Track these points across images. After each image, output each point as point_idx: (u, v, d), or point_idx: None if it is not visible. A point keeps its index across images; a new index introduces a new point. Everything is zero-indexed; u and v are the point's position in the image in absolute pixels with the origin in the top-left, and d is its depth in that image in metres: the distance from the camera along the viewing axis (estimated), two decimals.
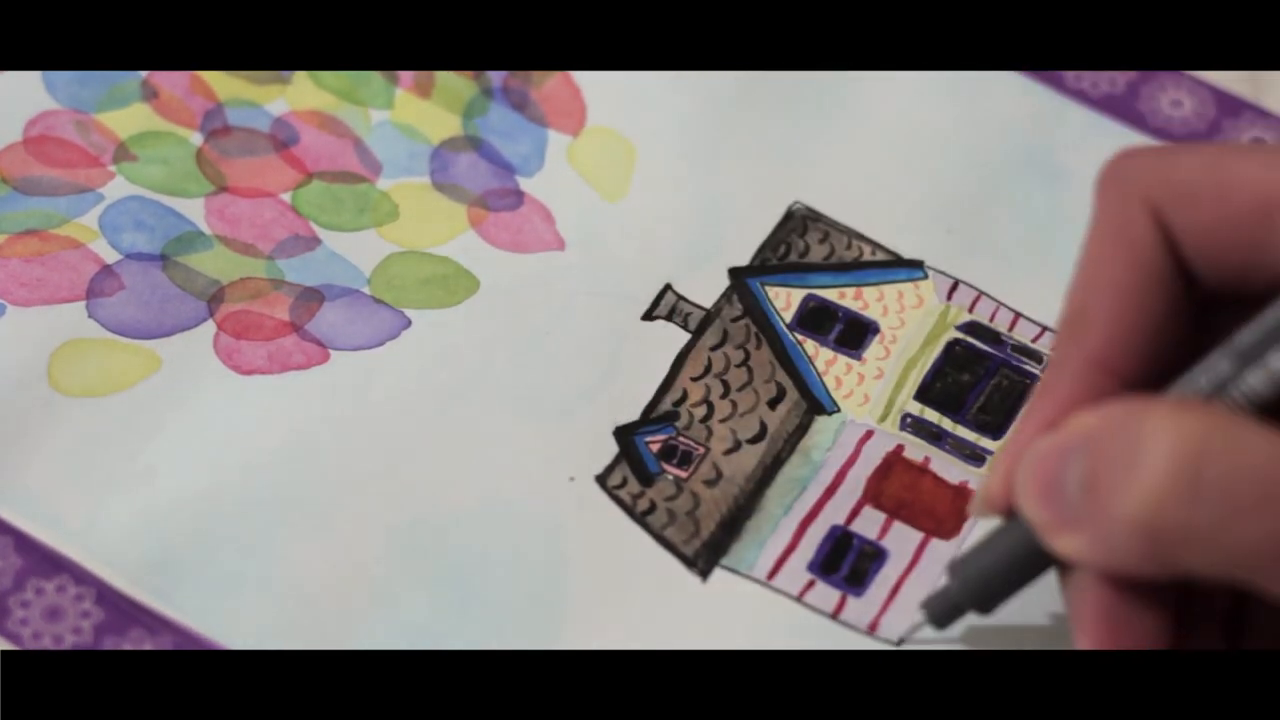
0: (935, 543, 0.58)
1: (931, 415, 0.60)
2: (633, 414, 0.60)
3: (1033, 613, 0.57)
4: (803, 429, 0.60)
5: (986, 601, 0.53)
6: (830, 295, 0.63)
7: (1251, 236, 0.50)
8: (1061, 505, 0.48)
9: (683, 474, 0.59)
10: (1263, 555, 0.45)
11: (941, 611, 0.54)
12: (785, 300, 0.62)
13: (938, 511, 0.59)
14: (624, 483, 0.59)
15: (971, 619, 0.54)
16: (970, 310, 0.62)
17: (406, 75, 0.66)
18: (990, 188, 0.65)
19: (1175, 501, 0.46)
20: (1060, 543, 0.49)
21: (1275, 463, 0.45)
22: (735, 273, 0.63)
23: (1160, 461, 0.46)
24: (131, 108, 0.65)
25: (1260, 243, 0.50)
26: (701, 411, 0.60)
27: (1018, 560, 0.51)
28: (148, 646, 0.56)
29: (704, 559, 0.58)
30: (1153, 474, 0.46)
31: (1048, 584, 0.52)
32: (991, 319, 0.62)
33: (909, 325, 0.62)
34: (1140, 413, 0.47)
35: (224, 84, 0.66)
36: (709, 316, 0.62)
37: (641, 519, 0.58)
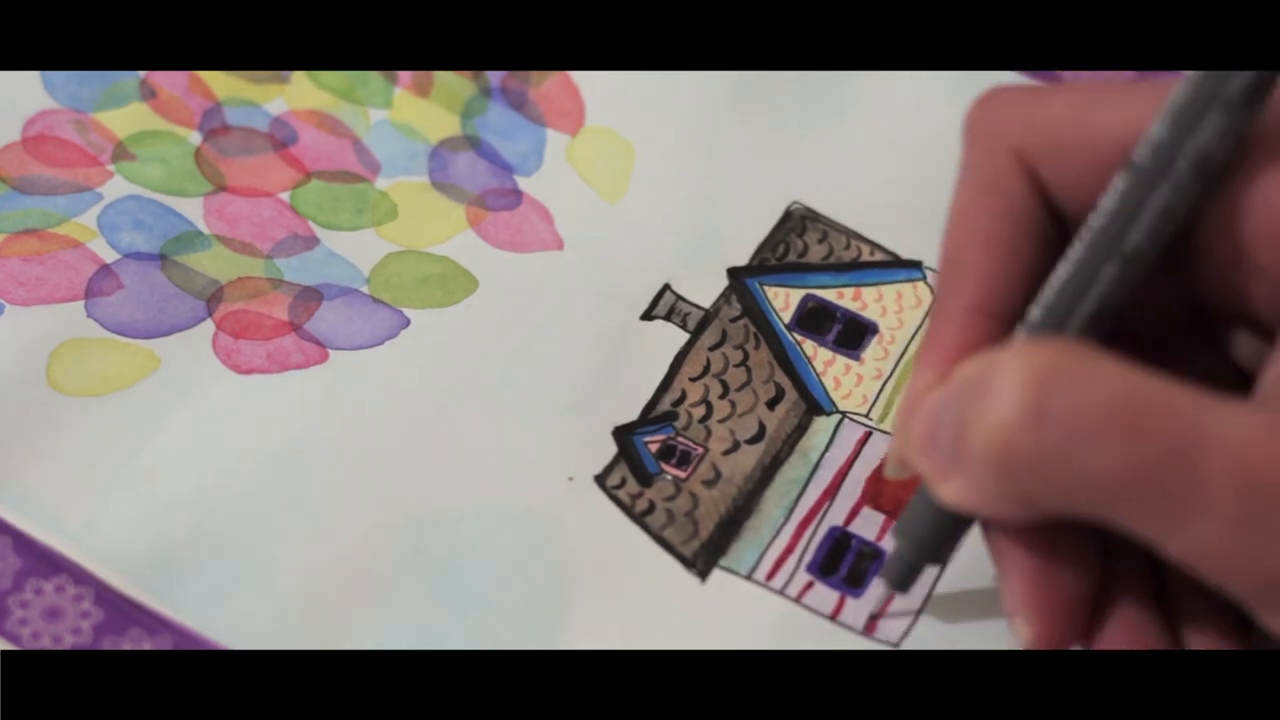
0: None
1: None
2: (631, 414, 0.60)
3: None
4: (801, 429, 0.60)
5: (935, 553, 0.53)
6: (829, 295, 0.63)
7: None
8: (939, 453, 0.48)
9: (681, 474, 0.59)
10: (1115, 485, 0.45)
11: (899, 574, 0.54)
12: (784, 300, 0.62)
13: None
14: (623, 483, 0.59)
15: (971, 618, 0.54)
16: None
17: (405, 75, 0.66)
18: None
19: (1023, 431, 0.45)
20: (942, 491, 0.49)
21: (1123, 391, 0.45)
22: (734, 272, 0.63)
23: (1008, 392, 0.45)
24: (130, 107, 0.65)
25: None
26: (700, 412, 0.60)
27: (948, 509, 0.51)
28: (147, 646, 0.56)
29: (703, 559, 0.58)
30: (1001, 405, 0.45)
31: None
32: None
33: (908, 326, 0.62)
34: (998, 354, 0.47)
35: (223, 83, 0.66)
36: (708, 316, 0.62)
37: (640, 519, 0.58)
